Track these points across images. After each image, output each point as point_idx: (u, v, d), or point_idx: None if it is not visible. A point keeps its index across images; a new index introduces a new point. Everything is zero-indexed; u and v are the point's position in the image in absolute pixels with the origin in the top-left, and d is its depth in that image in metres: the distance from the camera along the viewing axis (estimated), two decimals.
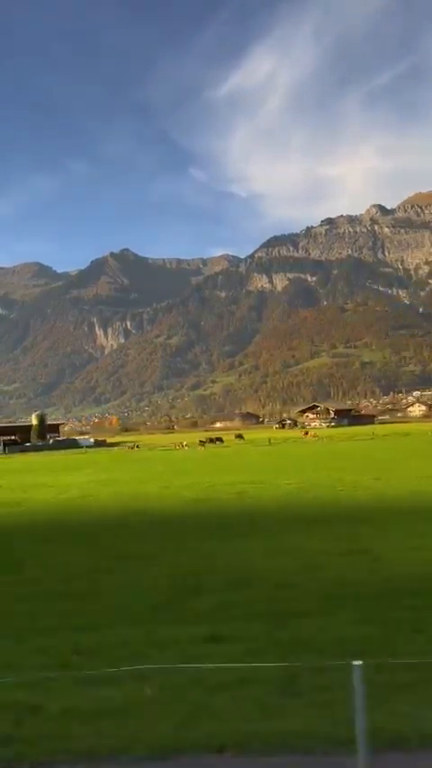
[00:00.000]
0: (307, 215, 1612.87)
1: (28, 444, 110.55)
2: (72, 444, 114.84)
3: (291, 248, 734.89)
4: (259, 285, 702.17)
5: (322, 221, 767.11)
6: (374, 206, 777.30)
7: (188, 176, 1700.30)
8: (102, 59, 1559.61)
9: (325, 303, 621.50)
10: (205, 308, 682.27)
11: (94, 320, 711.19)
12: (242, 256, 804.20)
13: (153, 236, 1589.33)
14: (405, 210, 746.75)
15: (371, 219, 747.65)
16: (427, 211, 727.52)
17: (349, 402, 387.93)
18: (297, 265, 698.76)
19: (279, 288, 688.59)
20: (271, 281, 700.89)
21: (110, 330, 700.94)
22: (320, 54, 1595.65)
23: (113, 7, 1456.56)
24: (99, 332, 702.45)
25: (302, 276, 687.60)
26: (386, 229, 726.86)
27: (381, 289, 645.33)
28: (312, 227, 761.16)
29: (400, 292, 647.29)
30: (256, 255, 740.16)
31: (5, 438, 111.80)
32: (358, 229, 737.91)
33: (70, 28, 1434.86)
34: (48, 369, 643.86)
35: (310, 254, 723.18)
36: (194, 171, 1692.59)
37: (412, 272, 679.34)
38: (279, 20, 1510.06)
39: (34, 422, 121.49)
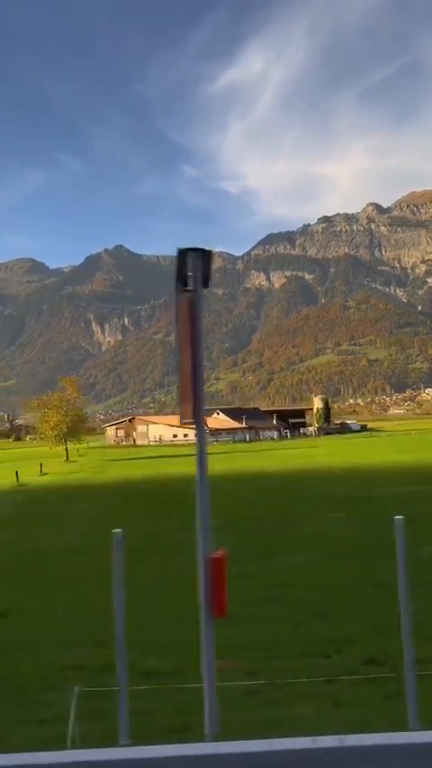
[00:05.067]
0: (300, 213, 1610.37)
1: (311, 428, 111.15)
2: (347, 429, 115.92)
3: (288, 246, 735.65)
4: (257, 283, 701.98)
5: (319, 219, 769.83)
6: (371, 204, 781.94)
7: (180, 173, 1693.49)
8: (95, 56, 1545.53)
9: (323, 301, 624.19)
10: (203, 305, 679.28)
11: (91, 316, 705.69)
12: (235, 253, 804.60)
13: (145, 232, 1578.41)
14: (401, 209, 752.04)
15: (367, 218, 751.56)
16: (422, 210, 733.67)
17: (360, 400, 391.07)
18: (295, 263, 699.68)
19: (277, 285, 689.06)
20: (268, 279, 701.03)
21: (107, 326, 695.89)
22: (315, 52, 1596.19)
23: (107, 3, 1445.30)
24: (96, 328, 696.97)
25: (300, 274, 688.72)
26: (383, 228, 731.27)
27: (378, 287, 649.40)
28: (309, 224, 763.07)
29: (398, 291, 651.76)
30: (253, 253, 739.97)
31: (293, 421, 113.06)
32: (355, 228, 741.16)
33: (64, 24, 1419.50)
34: (45, 365, 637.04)
35: (307, 251, 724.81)
36: (187, 168, 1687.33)
37: (409, 270, 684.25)
38: (274, 17, 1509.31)
39: (318, 405, 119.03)
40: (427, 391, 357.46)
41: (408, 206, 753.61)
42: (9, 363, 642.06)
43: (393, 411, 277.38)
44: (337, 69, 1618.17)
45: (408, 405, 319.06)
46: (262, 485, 25.22)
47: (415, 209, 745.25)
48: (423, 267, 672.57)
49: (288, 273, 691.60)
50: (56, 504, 22.60)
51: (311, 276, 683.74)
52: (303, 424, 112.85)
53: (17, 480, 30.24)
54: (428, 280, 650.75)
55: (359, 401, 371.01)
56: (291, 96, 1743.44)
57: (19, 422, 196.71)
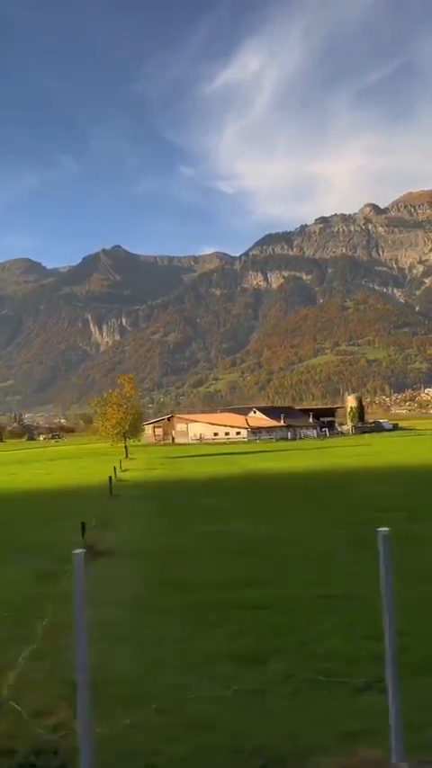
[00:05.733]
0: (297, 213, 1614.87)
1: (345, 427, 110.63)
2: (380, 427, 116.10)
3: (285, 246, 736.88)
4: (254, 283, 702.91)
5: (316, 219, 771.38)
6: (368, 205, 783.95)
7: (177, 173, 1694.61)
8: (93, 55, 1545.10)
9: (321, 301, 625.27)
10: (201, 305, 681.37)
11: (88, 317, 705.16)
12: (232, 254, 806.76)
13: (141, 232, 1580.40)
14: (398, 210, 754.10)
15: (365, 218, 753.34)
16: (419, 211, 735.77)
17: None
18: (292, 263, 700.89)
19: (274, 286, 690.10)
20: (266, 279, 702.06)
21: (105, 327, 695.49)
22: (312, 52, 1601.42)
23: (104, 3, 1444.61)
24: (94, 328, 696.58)
25: (298, 274, 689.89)
26: (380, 228, 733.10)
27: (376, 287, 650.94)
28: (306, 225, 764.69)
29: (396, 291, 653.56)
30: (251, 253, 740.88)
31: (326, 420, 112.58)
32: (352, 228, 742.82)
33: (61, 24, 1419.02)
34: (43, 366, 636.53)
35: (304, 252, 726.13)
36: (184, 168, 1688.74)
37: (406, 271, 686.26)
38: (271, 17, 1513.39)
39: (352, 404, 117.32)
40: (426, 391, 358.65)
41: (405, 206, 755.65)
42: (7, 363, 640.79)
43: (396, 411, 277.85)
44: (334, 69, 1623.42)
45: (408, 405, 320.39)
46: (396, 481, 24.98)
47: (412, 209, 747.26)
48: (420, 268, 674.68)
49: (286, 274, 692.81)
50: (186, 497, 22.58)
51: (309, 276, 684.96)
52: (333, 423, 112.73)
53: (115, 476, 30.72)
54: (426, 280, 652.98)
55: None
56: (287, 96, 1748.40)
57: (26, 422, 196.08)
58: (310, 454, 50.12)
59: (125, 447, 58.58)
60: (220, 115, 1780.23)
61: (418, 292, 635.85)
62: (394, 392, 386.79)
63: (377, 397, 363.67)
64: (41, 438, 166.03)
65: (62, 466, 46.80)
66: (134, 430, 61.73)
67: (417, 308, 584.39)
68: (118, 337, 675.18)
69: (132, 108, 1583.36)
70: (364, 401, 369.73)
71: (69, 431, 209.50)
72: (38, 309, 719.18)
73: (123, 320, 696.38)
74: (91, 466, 45.32)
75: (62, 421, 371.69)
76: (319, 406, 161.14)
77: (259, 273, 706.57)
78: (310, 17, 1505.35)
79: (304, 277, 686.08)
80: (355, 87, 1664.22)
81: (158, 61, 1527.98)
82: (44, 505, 21.91)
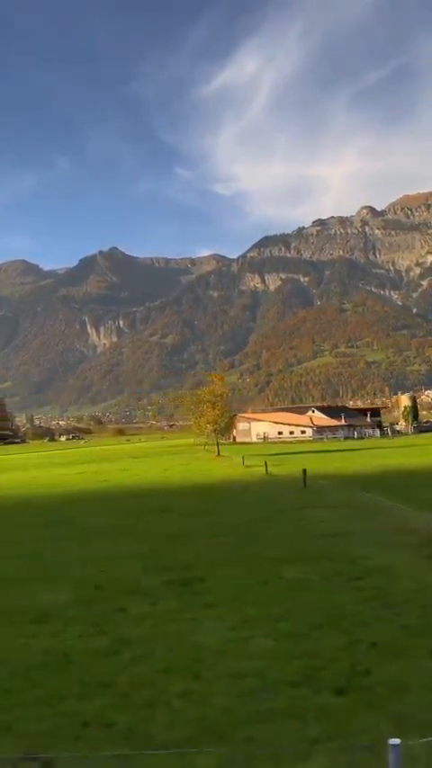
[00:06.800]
0: (294, 215, 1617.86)
1: (397, 426, 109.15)
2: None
3: (282, 249, 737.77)
4: (252, 285, 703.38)
5: (314, 222, 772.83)
6: (365, 207, 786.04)
7: (174, 175, 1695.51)
8: (91, 56, 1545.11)
9: (319, 303, 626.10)
10: (198, 307, 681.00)
11: (86, 318, 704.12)
12: (229, 255, 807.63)
13: (138, 234, 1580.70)
14: (395, 212, 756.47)
15: (362, 221, 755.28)
16: (416, 213, 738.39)
17: (359, 402, 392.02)
18: (290, 265, 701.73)
19: (272, 288, 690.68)
20: (263, 281, 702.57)
21: (102, 329, 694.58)
22: (309, 54, 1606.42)
23: (103, 4, 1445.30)
24: (91, 330, 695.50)
25: (295, 276, 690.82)
26: (377, 231, 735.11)
27: (374, 290, 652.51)
28: (304, 227, 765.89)
29: (393, 293, 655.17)
30: (248, 255, 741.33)
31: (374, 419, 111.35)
32: (349, 230, 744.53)
33: (59, 25, 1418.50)
34: (40, 367, 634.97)
35: (302, 254, 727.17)
36: (181, 170, 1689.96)
37: (403, 273, 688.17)
38: (269, 19, 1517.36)
39: (406, 403, 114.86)
40: (427, 393, 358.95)
41: (401, 209, 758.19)
42: (4, 365, 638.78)
43: None
44: (332, 71, 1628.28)
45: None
46: None
47: (409, 212, 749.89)
48: (417, 270, 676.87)
49: (283, 276, 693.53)
50: (387, 490, 21.52)
51: (307, 279, 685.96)
52: (380, 422, 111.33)
53: (266, 472, 31.27)
54: (423, 282, 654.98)
55: (359, 403, 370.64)
56: (284, 98, 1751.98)
57: (38, 423, 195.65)
58: (410, 452, 48.75)
59: (217, 445, 57.88)
60: (218, 117, 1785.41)
61: (415, 294, 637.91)
62: (394, 394, 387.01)
63: (377, 399, 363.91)
64: (63, 439, 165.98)
65: (165, 463, 46.75)
66: (226, 427, 62.09)
67: (414, 310, 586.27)
68: (115, 339, 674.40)
69: (130, 109, 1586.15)
70: (364, 403, 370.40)
71: (86, 431, 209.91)
72: (35, 311, 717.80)
73: (121, 322, 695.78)
74: (192, 463, 45.78)
75: (61, 422, 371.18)
76: (370, 406, 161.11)
77: (257, 275, 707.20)
78: (308, 18, 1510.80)
79: (302, 279, 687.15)
80: (352, 89, 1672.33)
81: (156, 62, 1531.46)
82: (252, 498, 22.18)
